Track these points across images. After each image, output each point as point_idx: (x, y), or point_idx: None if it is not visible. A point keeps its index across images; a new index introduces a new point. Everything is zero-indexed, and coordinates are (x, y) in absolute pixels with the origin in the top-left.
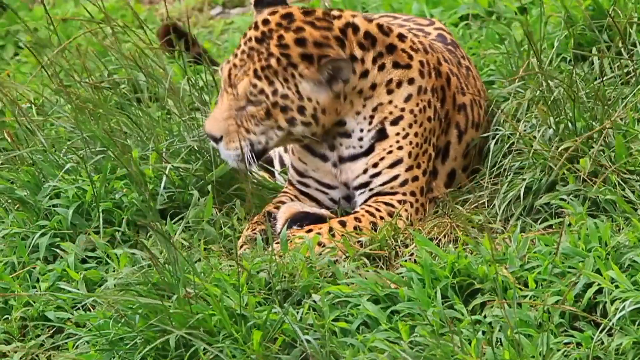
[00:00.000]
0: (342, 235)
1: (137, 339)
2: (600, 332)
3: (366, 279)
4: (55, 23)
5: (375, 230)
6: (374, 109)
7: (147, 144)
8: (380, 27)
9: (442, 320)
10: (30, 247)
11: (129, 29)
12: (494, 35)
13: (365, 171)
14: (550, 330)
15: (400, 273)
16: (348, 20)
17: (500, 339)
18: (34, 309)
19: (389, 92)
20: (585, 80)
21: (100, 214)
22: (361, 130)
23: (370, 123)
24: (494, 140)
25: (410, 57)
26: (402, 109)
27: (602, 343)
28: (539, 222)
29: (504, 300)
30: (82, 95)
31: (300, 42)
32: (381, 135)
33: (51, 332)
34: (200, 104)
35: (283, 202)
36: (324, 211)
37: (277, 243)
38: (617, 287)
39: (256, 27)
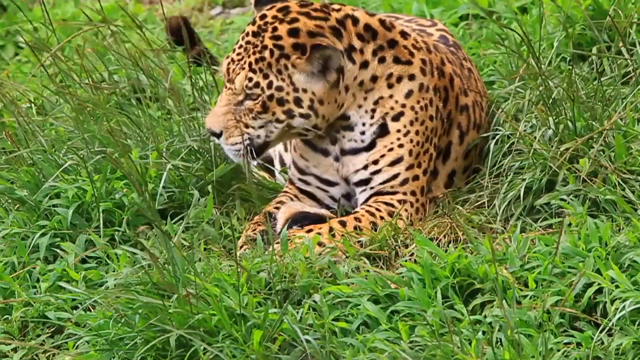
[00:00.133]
0: (342, 235)
1: (137, 339)
2: (600, 332)
3: (366, 278)
4: (54, 23)
5: (376, 230)
6: (375, 102)
7: (147, 144)
8: (382, 21)
9: (442, 320)
10: (30, 247)
11: (128, 29)
12: (494, 35)
13: (365, 167)
14: (550, 330)
15: (401, 273)
16: (347, 13)
17: (500, 339)
18: (34, 309)
19: (390, 86)
20: (585, 80)
21: (101, 214)
22: (363, 124)
23: (372, 117)
24: (494, 141)
25: (412, 54)
26: (403, 105)
27: (602, 343)
28: (539, 222)
29: (504, 301)
30: (82, 96)
31: (293, 32)
32: (382, 131)
33: (51, 332)
34: (201, 104)
35: (283, 202)
36: (324, 211)
37: (278, 243)
38: (617, 287)
39: (254, 22)
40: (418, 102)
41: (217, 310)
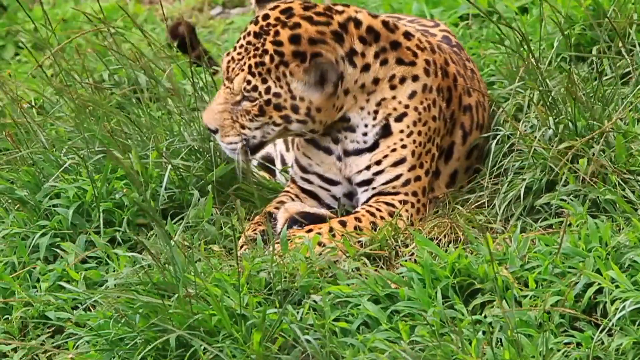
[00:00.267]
0: (343, 235)
1: (137, 339)
2: (601, 332)
3: (366, 278)
4: (54, 23)
5: (376, 230)
6: (378, 104)
7: (147, 144)
8: (385, 23)
9: (443, 320)
10: (31, 247)
11: (128, 30)
12: (494, 35)
13: (368, 167)
14: (551, 330)
15: (401, 273)
16: (350, 15)
17: (501, 339)
18: (34, 309)
19: (392, 87)
20: (585, 80)
21: (101, 214)
22: (365, 126)
23: (374, 118)
24: (495, 141)
25: (415, 55)
26: (406, 106)
27: (602, 343)
28: (539, 222)
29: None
30: (83, 95)
31: (294, 39)
32: (385, 131)
33: (51, 332)
34: (200, 104)
35: (283, 202)
36: (324, 211)
37: (278, 243)
38: (617, 287)
39: (256, 22)
40: (421, 102)
41: (217, 310)
